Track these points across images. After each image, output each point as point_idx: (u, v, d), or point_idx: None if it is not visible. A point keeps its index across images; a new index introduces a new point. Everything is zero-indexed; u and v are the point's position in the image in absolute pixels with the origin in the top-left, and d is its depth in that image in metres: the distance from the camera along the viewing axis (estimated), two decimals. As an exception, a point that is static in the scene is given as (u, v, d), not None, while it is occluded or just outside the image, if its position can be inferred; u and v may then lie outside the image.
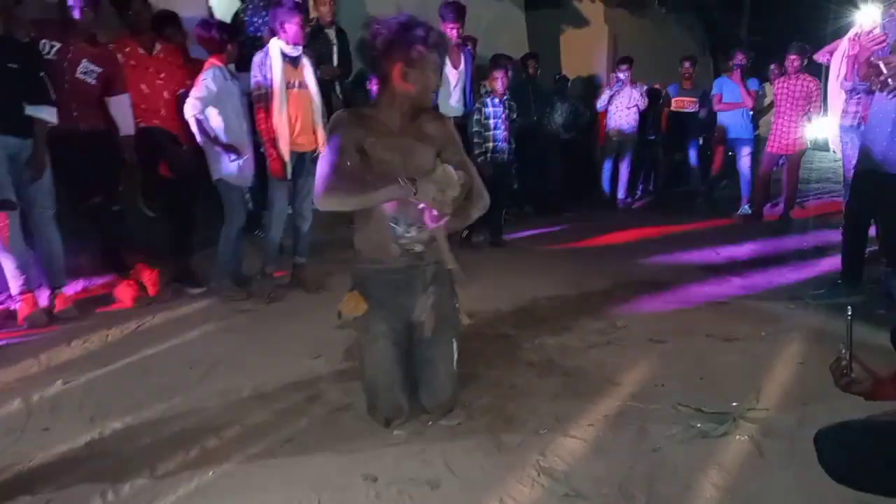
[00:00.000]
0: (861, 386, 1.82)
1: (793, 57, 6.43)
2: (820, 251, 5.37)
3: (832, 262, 4.76)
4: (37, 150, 3.49)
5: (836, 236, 5.58)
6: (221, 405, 2.65)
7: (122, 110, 3.93)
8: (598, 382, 2.85)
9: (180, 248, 4.26)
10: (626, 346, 3.30)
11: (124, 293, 3.95)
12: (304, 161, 4.15)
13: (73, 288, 4.05)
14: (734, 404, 2.59)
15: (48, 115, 3.50)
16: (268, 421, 2.52)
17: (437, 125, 2.33)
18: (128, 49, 4.07)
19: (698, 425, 2.43)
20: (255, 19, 5.01)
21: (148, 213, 4.25)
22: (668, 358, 3.14)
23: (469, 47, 6.08)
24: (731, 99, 7.24)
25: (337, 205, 2.10)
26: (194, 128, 3.88)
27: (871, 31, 3.46)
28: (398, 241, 2.22)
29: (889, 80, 2.38)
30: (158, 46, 4.18)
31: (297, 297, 4.14)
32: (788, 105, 6.48)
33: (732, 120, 7.31)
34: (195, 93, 3.86)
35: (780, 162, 6.88)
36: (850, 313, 1.78)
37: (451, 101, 5.48)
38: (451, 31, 5.23)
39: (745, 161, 7.34)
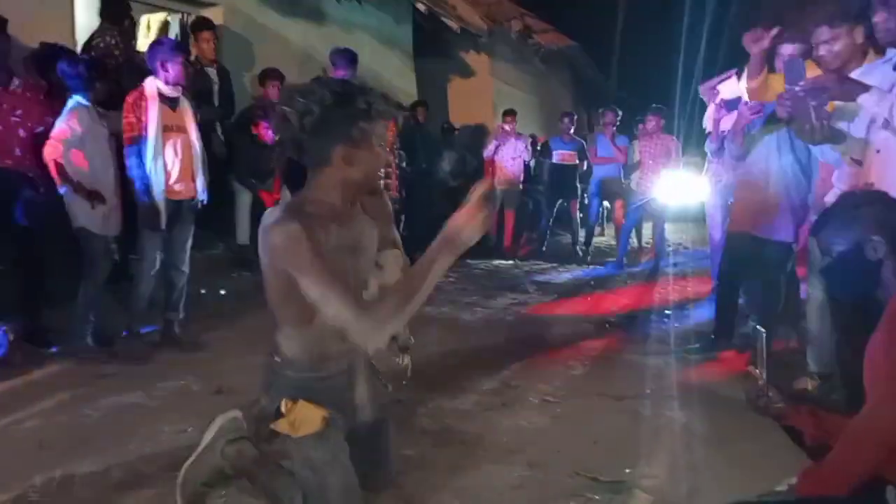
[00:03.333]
0: (777, 409, 1.85)
1: (650, 118, 6.97)
2: (691, 301, 5.69)
3: (704, 313, 5.06)
4: None
5: (705, 286, 6.00)
6: (80, 499, 2.31)
7: (-33, 149, 3.48)
8: (495, 450, 2.78)
9: (31, 303, 3.79)
10: (521, 408, 3.27)
11: (-38, 356, 3.45)
12: (180, 209, 3.87)
13: None
14: (627, 471, 2.61)
15: None
16: (137, 517, 2.22)
17: (374, 200, 2.03)
18: (-21, 82, 3.63)
19: (596, 497, 2.41)
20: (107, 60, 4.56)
21: (-6, 265, 3.77)
22: (562, 420, 3.14)
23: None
24: (604, 154, 7.69)
25: (400, 325, 1.73)
26: (54, 172, 3.52)
27: (748, 102, 3.74)
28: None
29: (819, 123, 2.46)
30: (16, 81, 3.76)
31: (170, 358, 3.78)
32: (651, 162, 6.98)
33: (607, 173, 7.75)
34: (57, 134, 3.50)
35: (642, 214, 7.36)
36: (763, 333, 1.81)
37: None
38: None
39: (618, 213, 7.77)
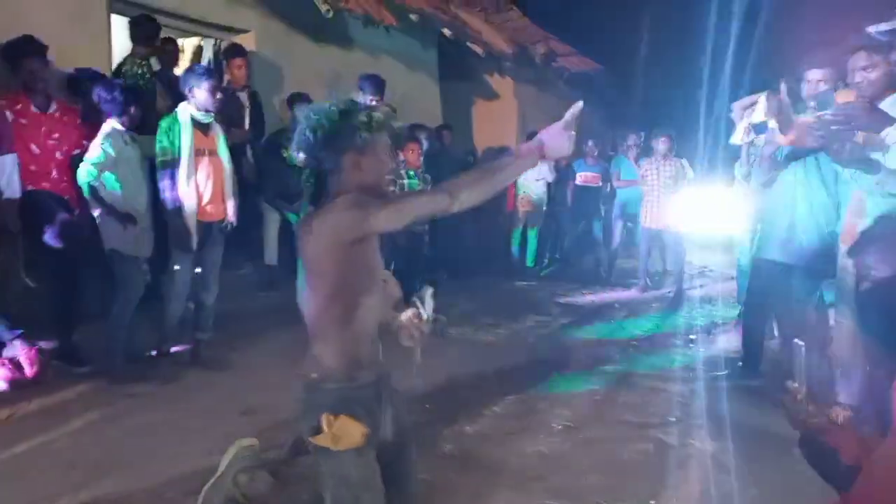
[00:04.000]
0: (817, 424, 1.82)
1: (661, 140, 6.89)
2: (716, 326, 5.61)
3: (730, 339, 5.00)
4: None
5: (729, 311, 5.93)
6: (106, 517, 2.36)
7: (6, 172, 3.59)
8: (517, 477, 2.78)
9: (64, 323, 3.88)
10: (543, 433, 3.26)
11: (-4, 374, 3.52)
12: (211, 231, 3.96)
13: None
14: (652, 503, 2.58)
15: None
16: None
17: None
18: (19, 106, 3.75)
19: (621, 529, 2.39)
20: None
21: (29, 284, 3.86)
22: (585, 446, 3.12)
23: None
24: (627, 177, 7.67)
25: (472, 199, 1.77)
26: (87, 194, 3.62)
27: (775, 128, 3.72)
28: (426, 322, 2.02)
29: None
30: (54, 105, 3.89)
31: (198, 377, 3.84)
32: (657, 184, 6.88)
33: (630, 196, 7.71)
34: (91, 157, 3.61)
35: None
36: (802, 347, 1.78)
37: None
38: (371, 104, 5.26)
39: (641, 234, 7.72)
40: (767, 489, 2.69)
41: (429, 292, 2.07)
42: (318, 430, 1.82)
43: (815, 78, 3.56)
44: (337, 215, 1.79)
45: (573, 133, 1.70)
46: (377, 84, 5.30)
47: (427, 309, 2.06)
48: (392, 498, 2.10)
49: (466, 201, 1.74)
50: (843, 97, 3.18)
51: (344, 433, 1.82)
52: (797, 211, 3.65)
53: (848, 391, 3.33)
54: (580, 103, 1.73)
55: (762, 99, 4.46)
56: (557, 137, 1.70)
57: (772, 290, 3.88)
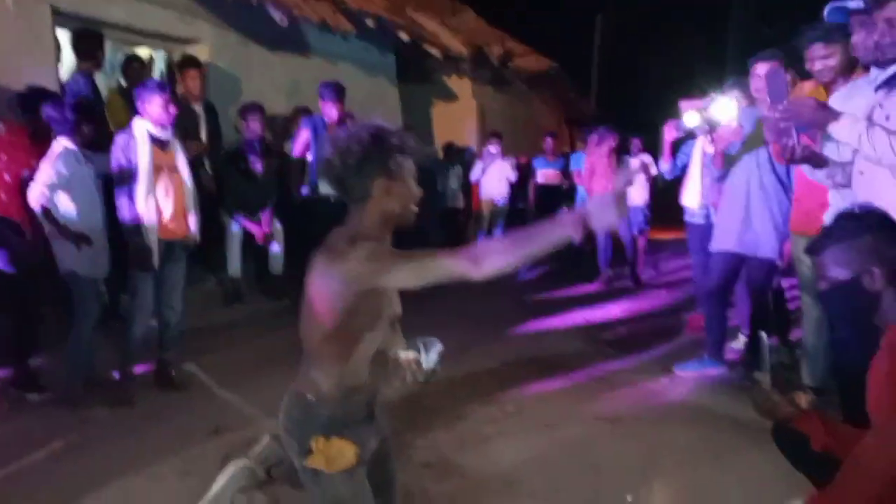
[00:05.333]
0: (785, 412, 1.87)
1: (606, 136, 7.03)
2: (677, 316, 5.70)
3: (693, 329, 5.08)
4: None
5: (690, 299, 6.02)
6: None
7: (-49, 197, 3.46)
8: (496, 482, 2.78)
9: (19, 349, 3.75)
10: (519, 435, 3.27)
11: (-50, 407, 3.40)
12: (173, 248, 3.86)
13: None
14: (629, 498, 2.61)
15: None
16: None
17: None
18: (-38, 129, 3.62)
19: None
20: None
21: (-19, 311, 3.73)
22: (560, 446, 3.14)
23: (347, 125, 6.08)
24: (587, 173, 7.77)
25: (507, 264, 1.66)
26: (40, 216, 3.50)
27: (728, 124, 3.81)
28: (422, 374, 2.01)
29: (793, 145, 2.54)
30: (1, 126, 3.76)
31: (163, 399, 3.75)
32: (602, 174, 7.01)
33: (591, 192, 7.80)
34: (43, 178, 3.49)
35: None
36: (765, 337, 1.83)
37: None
38: (332, 111, 5.23)
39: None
40: (744, 476, 2.74)
41: (437, 348, 2.05)
42: (309, 452, 1.80)
43: (762, 72, 3.64)
44: (354, 265, 1.69)
45: (622, 207, 1.58)
46: (337, 91, 5.26)
47: (430, 361, 2.04)
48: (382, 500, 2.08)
49: (492, 269, 1.64)
50: (805, 90, 3.27)
51: (337, 455, 1.81)
52: (751, 201, 3.74)
53: (813, 375, 3.42)
54: (623, 178, 1.66)
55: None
56: (605, 207, 1.59)
57: (731, 281, 3.97)
